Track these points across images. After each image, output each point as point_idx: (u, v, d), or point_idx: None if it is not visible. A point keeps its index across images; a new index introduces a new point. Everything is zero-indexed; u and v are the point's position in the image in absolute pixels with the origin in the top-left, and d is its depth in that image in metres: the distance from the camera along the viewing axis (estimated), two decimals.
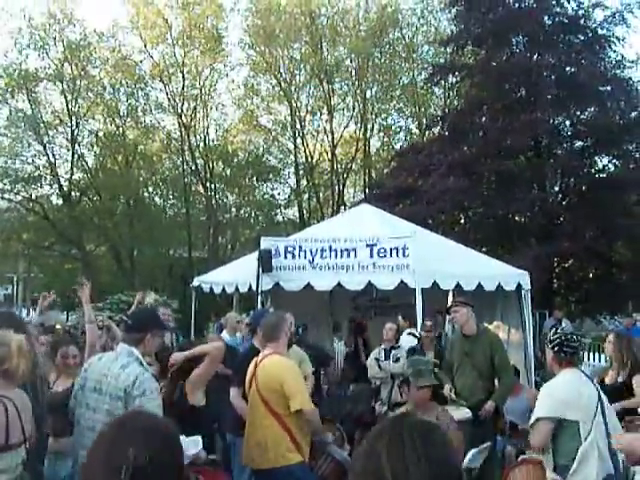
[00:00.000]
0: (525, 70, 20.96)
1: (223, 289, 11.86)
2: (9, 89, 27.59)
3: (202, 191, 31.73)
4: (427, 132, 28.31)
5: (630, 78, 22.12)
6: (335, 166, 32.27)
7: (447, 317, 10.40)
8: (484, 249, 17.35)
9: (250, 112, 32.59)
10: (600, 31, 22.06)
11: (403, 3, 31.45)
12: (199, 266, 25.72)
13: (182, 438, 4.41)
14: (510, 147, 21.11)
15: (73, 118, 28.82)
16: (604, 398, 4.49)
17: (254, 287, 10.06)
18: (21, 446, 3.78)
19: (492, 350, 7.15)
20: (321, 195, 33.23)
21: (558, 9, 22.36)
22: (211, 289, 12.21)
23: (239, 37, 31.33)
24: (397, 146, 31.75)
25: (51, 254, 30.44)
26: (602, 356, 13.32)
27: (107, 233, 28.73)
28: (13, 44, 27.65)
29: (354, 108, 31.98)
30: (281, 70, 31.20)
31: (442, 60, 26.17)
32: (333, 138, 31.93)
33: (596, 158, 22.73)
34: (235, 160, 31.96)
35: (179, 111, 30.39)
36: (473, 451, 5.59)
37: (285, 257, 10.17)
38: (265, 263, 9.89)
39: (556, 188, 22.86)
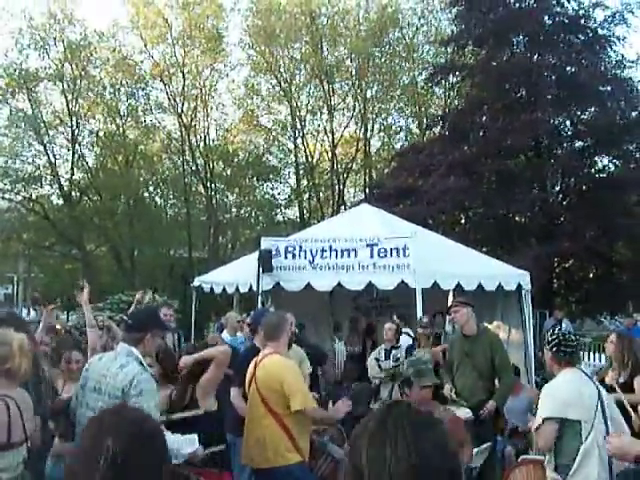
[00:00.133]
0: (525, 70, 20.95)
1: (223, 289, 11.87)
2: (9, 89, 27.60)
3: (202, 191, 31.72)
4: (427, 132, 28.30)
5: (630, 78, 22.12)
6: (335, 166, 32.26)
7: (447, 317, 10.41)
8: (484, 249, 17.34)
9: (250, 112, 32.58)
10: (600, 31, 22.05)
11: (403, 3, 31.46)
12: (199, 266, 25.72)
13: (178, 437, 4.43)
14: (510, 147, 21.10)
15: (73, 118, 28.83)
16: (605, 397, 4.49)
17: (254, 287, 10.07)
18: (22, 445, 3.79)
19: (492, 350, 7.14)
20: (321, 195, 33.22)
21: (558, 9, 22.35)
22: (211, 289, 12.22)
23: (239, 37, 31.42)
24: (397, 146, 31.75)
25: (51, 254, 30.47)
26: (602, 356, 13.33)
27: (107, 233, 28.74)
28: (14, 44, 27.72)
29: (354, 108, 31.99)
30: (281, 70, 31.19)
31: (442, 60, 26.18)
32: (333, 138, 31.93)
33: (596, 158, 22.73)
34: (235, 160, 31.96)
35: (179, 111, 30.40)
36: (473, 451, 5.60)
37: (285, 257, 10.18)
38: (265, 263, 9.89)
39: (556, 188, 22.85)
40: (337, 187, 32.48)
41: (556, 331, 4.88)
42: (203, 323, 17.26)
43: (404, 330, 9.58)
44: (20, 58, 27.86)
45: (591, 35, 21.96)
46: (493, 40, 22.20)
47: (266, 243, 10.30)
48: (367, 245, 10.00)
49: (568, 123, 22.98)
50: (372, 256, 9.94)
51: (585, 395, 4.41)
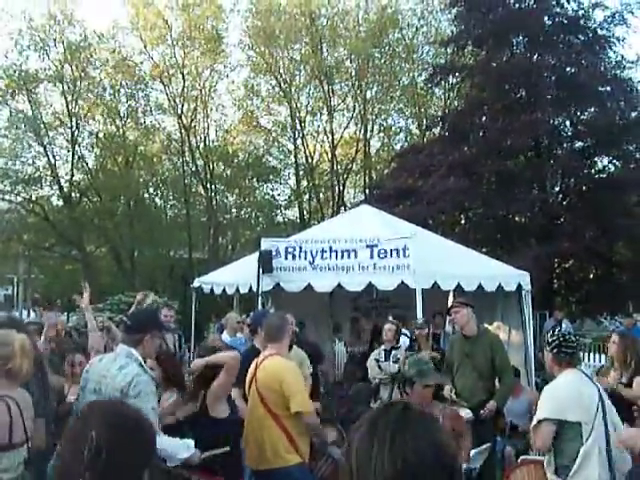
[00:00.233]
0: (525, 70, 20.95)
1: (223, 290, 11.87)
2: (9, 90, 27.60)
3: (202, 192, 31.72)
4: (427, 133, 28.30)
5: (630, 78, 22.13)
6: (335, 167, 32.26)
7: (448, 318, 10.41)
8: (484, 249, 17.34)
9: (250, 113, 32.58)
10: (600, 31, 22.05)
11: (403, 4, 31.43)
12: (199, 267, 25.72)
13: (175, 440, 4.42)
14: (510, 147, 21.11)
15: (73, 119, 28.83)
16: (605, 398, 4.49)
17: (254, 288, 10.07)
18: (23, 445, 3.80)
19: (493, 351, 7.15)
20: (321, 196, 33.23)
21: (558, 9, 22.36)
22: (211, 290, 12.22)
23: (239, 38, 31.35)
24: (397, 147, 31.75)
25: (51, 255, 30.47)
26: (602, 356, 13.33)
27: (107, 234, 28.74)
28: (13, 45, 27.69)
29: (354, 109, 31.98)
30: (281, 71, 31.19)
31: (442, 61, 26.17)
32: (333, 139, 31.93)
33: (596, 158, 22.73)
34: (235, 161, 31.96)
35: (179, 112, 30.39)
36: (473, 452, 5.60)
37: (285, 258, 10.18)
38: (265, 264, 9.90)
39: (556, 188, 22.85)
40: (337, 188, 32.48)
41: (556, 332, 4.88)
42: (203, 324, 17.25)
43: (402, 331, 9.57)
44: (20, 59, 27.90)
45: (591, 35, 21.96)
46: (493, 41, 22.20)
47: (266, 244, 10.31)
48: (367, 246, 10.01)
49: (568, 123, 22.99)
50: (372, 257, 9.94)
51: (585, 396, 4.41)
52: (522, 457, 6.13)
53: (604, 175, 22.40)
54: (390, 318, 9.94)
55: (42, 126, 28.05)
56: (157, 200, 33.01)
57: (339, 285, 10.04)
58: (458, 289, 10.01)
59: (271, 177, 32.90)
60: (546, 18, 22.20)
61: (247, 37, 31.23)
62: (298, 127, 31.72)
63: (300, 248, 10.28)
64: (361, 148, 32.20)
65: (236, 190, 32.46)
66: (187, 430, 4.86)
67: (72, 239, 28.38)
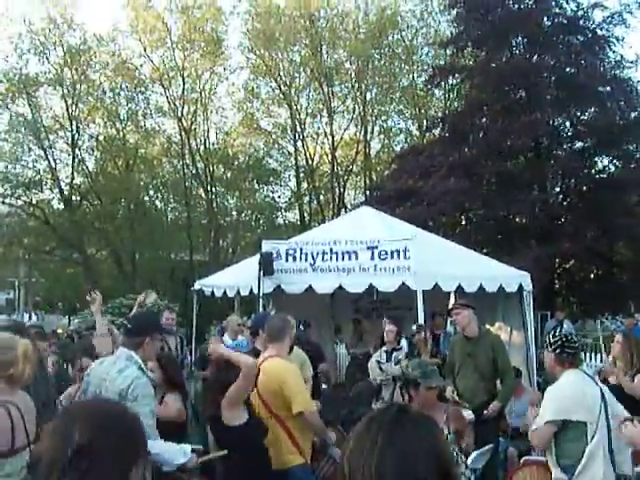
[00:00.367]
0: (525, 71, 20.95)
1: (224, 292, 11.86)
2: (9, 94, 27.63)
3: (203, 194, 31.74)
4: (427, 134, 28.28)
5: (630, 78, 22.12)
6: (335, 168, 32.26)
7: (449, 318, 10.41)
8: (485, 250, 17.36)
9: (250, 115, 32.61)
10: (599, 32, 22.05)
11: (402, 5, 31.45)
12: (200, 269, 25.73)
13: (171, 445, 4.40)
14: (510, 148, 21.11)
15: (73, 122, 28.87)
16: (608, 397, 4.49)
17: (255, 290, 10.07)
18: (25, 449, 3.79)
19: (494, 352, 7.15)
20: (322, 198, 33.23)
21: (557, 10, 22.36)
22: (212, 292, 12.21)
23: (239, 40, 31.43)
24: (397, 148, 31.72)
25: (52, 259, 30.48)
26: (604, 357, 13.30)
27: (108, 237, 28.76)
28: (13, 49, 27.74)
29: (354, 110, 32.00)
30: (281, 73, 31.21)
31: (442, 62, 26.19)
32: (333, 140, 31.93)
33: (596, 159, 22.72)
34: (235, 163, 31.97)
35: (179, 115, 30.41)
36: (476, 452, 5.59)
37: (286, 260, 10.18)
38: (266, 266, 9.89)
39: (557, 189, 22.85)
40: (337, 190, 32.49)
41: (557, 333, 4.87)
42: (204, 326, 17.24)
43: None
44: (20, 63, 27.95)
45: (590, 36, 21.96)
46: (492, 41, 22.19)
47: (267, 246, 10.31)
48: (368, 247, 10.00)
49: (568, 124, 22.99)
50: (373, 258, 9.94)
51: (589, 396, 4.40)
52: (525, 458, 6.12)
53: (604, 175, 22.39)
54: (385, 320, 9.94)
55: (42, 129, 28.08)
56: (158, 203, 33.04)
57: (340, 287, 10.04)
58: (459, 290, 10.00)
59: (271, 179, 32.93)
60: (545, 19, 22.21)
61: (247, 39, 31.29)
62: (298, 129, 31.74)
63: (301, 250, 10.28)
64: (361, 150, 32.21)
65: (236, 192, 32.48)
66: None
67: (73, 242, 28.39)
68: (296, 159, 32.20)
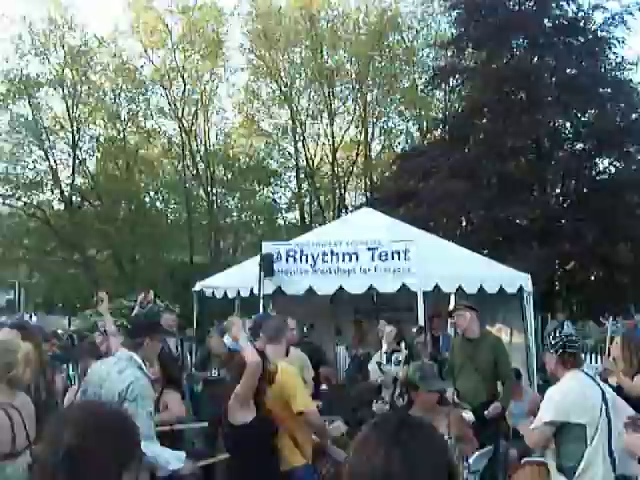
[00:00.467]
0: (525, 72, 20.98)
1: (225, 294, 11.86)
2: (10, 95, 27.62)
3: (203, 196, 31.73)
4: (428, 135, 28.35)
5: (630, 80, 22.16)
6: (336, 170, 32.23)
7: (450, 320, 10.40)
8: (485, 252, 17.34)
9: (251, 116, 32.61)
10: (600, 33, 22.09)
11: (403, 6, 31.42)
12: (201, 271, 25.67)
13: (166, 451, 4.39)
14: (511, 149, 21.14)
15: (74, 123, 28.86)
16: (609, 399, 4.48)
17: (256, 291, 10.08)
18: (26, 451, 3.79)
19: (495, 353, 7.14)
20: (322, 199, 33.19)
21: (558, 11, 22.40)
22: (213, 294, 12.21)
23: (239, 41, 31.31)
24: (398, 149, 31.72)
25: (52, 259, 30.43)
26: (604, 358, 13.30)
27: (108, 238, 28.73)
28: (14, 50, 27.72)
29: (355, 111, 31.98)
30: (281, 74, 31.19)
31: (442, 63, 26.17)
32: (334, 142, 31.91)
33: (597, 160, 22.74)
34: (236, 164, 31.96)
35: (180, 116, 30.41)
36: (476, 454, 5.58)
37: (287, 261, 10.19)
38: (267, 267, 9.91)
39: (557, 190, 22.87)
40: (338, 191, 32.46)
41: (558, 334, 4.86)
42: (204, 328, 17.22)
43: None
44: (21, 64, 27.93)
45: (591, 37, 21.99)
46: (493, 43, 22.22)
47: (267, 247, 10.32)
48: (368, 249, 10.01)
49: (568, 125, 23.01)
50: (373, 259, 9.96)
51: (589, 398, 4.39)
52: (525, 459, 6.11)
53: (605, 176, 22.41)
54: (382, 322, 9.93)
55: (43, 130, 28.09)
56: (158, 204, 33.05)
57: (340, 288, 10.05)
58: (459, 291, 10.00)
59: (272, 180, 32.93)
60: (546, 20, 22.24)
61: (247, 40, 31.28)
62: (299, 130, 31.73)
63: (301, 251, 10.29)
64: (362, 151, 32.18)
65: (237, 193, 32.49)
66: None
67: (73, 243, 28.38)
68: (297, 160, 32.20)
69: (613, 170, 22.87)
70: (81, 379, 6.05)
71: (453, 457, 1.63)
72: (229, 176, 32.04)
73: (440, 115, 28.23)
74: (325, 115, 32.05)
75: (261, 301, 9.85)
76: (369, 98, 31.56)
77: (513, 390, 7.51)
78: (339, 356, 13.29)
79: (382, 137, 33.48)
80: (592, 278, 23.11)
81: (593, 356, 14.53)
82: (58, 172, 29.11)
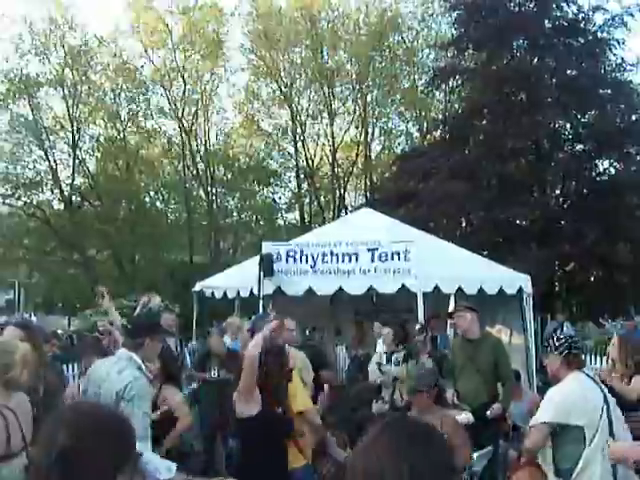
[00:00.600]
0: (525, 73, 20.99)
1: (224, 294, 11.87)
2: (10, 94, 27.61)
3: (203, 196, 31.74)
4: (428, 136, 28.35)
5: (630, 81, 22.16)
6: (336, 170, 32.24)
7: (449, 321, 10.41)
8: (485, 253, 17.34)
9: (251, 116, 32.62)
10: (600, 34, 22.10)
11: (403, 7, 31.43)
12: (200, 271, 25.66)
13: (157, 459, 4.37)
14: (511, 150, 21.15)
15: (74, 123, 28.84)
16: (610, 401, 4.48)
17: (256, 292, 10.08)
18: (22, 453, 3.78)
19: (495, 354, 7.14)
20: (322, 199, 33.19)
21: (558, 13, 22.41)
22: (213, 294, 12.21)
23: (239, 41, 31.31)
24: (398, 150, 31.73)
25: (52, 259, 30.41)
26: (604, 359, 13.31)
27: (108, 238, 28.71)
28: (14, 49, 27.69)
29: (355, 112, 31.98)
30: (282, 74, 31.19)
31: (443, 64, 26.17)
32: (334, 142, 31.90)
33: (597, 161, 22.73)
34: (236, 164, 31.96)
35: (180, 116, 30.40)
36: (476, 454, 5.59)
37: (286, 261, 10.20)
38: (266, 268, 9.91)
39: (557, 191, 22.88)
40: (338, 191, 32.46)
41: (560, 335, 4.84)
42: (204, 328, 17.22)
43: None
44: (21, 63, 27.89)
45: (591, 39, 22.00)
46: (493, 44, 22.23)
47: (267, 248, 10.33)
48: (368, 249, 10.02)
49: (568, 126, 23.01)
50: (373, 260, 9.96)
51: (590, 400, 4.38)
52: (523, 459, 6.11)
53: (605, 178, 22.41)
54: (377, 324, 9.96)
55: (43, 130, 28.07)
56: (158, 204, 33.02)
57: (340, 289, 10.06)
58: (459, 292, 10.01)
59: (272, 180, 32.94)
60: (546, 21, 22.25)
61: (248, 41, 31.28)
62: (299, 130, 31.74)
63: (301, 252, 10.30)
64: (362, 151, 32.18)
65: (237, 194, 32.48)
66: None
67: (73, 243, 28.37)
68: (297, 160, 32.20)
69: (613, 171, 22.88)
70: (82, 376, 6.06)
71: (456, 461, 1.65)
72: (229, 176, 32.05)
73: (440, 116, 28.24)
74: (325, 115, 32.07)
75: (261, 301, 9.85)
76: (369, 98, 31.58)
77: (513, 391, 7.52)
78: (339, 357, 13.30)
79: (382, 138, 33.52)
80: (592, 279, 23.12)
81: (592, 357, 14.52)
82: (58, 172, 29.12)
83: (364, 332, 11.69)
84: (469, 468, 5.44)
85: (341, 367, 12.40)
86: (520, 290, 10.60)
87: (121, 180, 29.49)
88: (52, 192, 29.57)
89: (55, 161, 28.97)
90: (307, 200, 33.27)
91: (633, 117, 21.54)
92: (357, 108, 31.77)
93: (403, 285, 9.69)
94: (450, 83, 26.40)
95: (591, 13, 22.23)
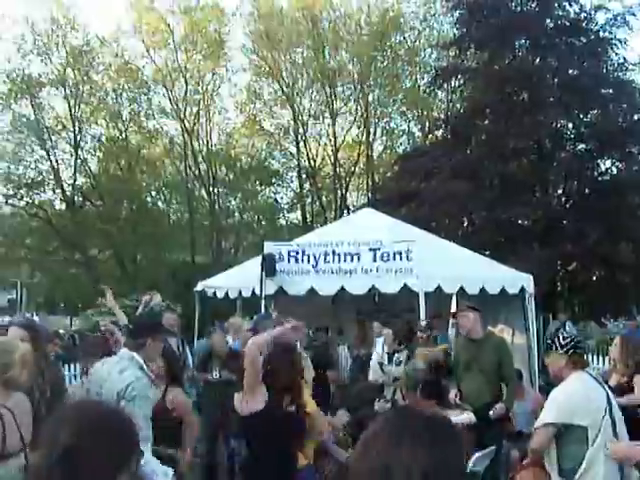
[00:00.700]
0: (527, 73, 20.95)
1: (226, 294, 11.87)
2: (12, 94, 27.64)
3: (205, 196, 31.77)
4: (430, 135, 28.32)
5: (632, 80, 22.12)
6: (338, 170, 32.24)
7: (451, 321, 10.41)
8: (487, 252, 17.32)
9: (253, 116, 32.63)
10: (602, 34, 22.05)
11: (405, 7, 31.43)
12: (202, 271, 25.65)
13: (153, 460, 4.37)
14: (513, 150, 21.11)
15: (76, 123, 28.88)
16: (613, 401, 4.47)
17: (258, 292, 10.08)
18: (20, 453, 3.76)
19: (498, 354, 7.13)
20: (324, 199, 33.21)
21: (560, 12, 22.36)
22: (214, 294, 12.21)
23: (241, 42, 31.33)
24: (400, 150, 31.74)
25: (54, 259, 30.44)
26: (606, 359, 13.30)
27: (110, 238, 28.73)
28: (16, 50, 27.73)
29: (357, 112, 32.00)
30: (283, 74, 31.20)
31: (444, 63, 26.15)
32: (336, 142, 31.92)
33: (599, 161, 22.67)
34: (238, 164, 32.01)
35: (182, 116, 30.42)
36: (477, 455, 5.58)
37: (288, 261, 10.21)
38: (268, 268, 9.92)
39: (559, 191, 22.84)
40: (340, 191, 32.47)
41: (565, 334, 4.82)
42: (206, 328, 17.23)
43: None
44: (23, 64, 27.94)
45: (593, 38, 21.94)
46: (495, 43, 22.19)
47: (269, 247, 10.33)
48: (370, 249, 10.02)
49: (570, 126, 22.96)
50: (375, 260, 9.97)
51: (594, 400, 4.37)
52: (526, 460, 6.10)
53: (607, 177, 22.36)
54: (376, 324, 9.96)
55: (45, 130, 28.12)
56: (160, 204, 33.07)
57: (342, 288, 10.05)
58: (461, 292, 10.00)
59: (274, 180, 32.98)
60: (548, 21, 22.21)
61: (249, 41, 31.29)
62: (301, 130, 31.75)
63: (303, 252, 10.31)
64: (364, 151, 32.17)
65: (239, 194, 32.49)
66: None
67: (75, 243, 28.40)
68: (298, 160, 32.22)
69: (615, 171, 22.83)
70: (84, 375, 6.07)
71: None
72: (231, 176, 32.07)
73: (442, 116, 28.20)
74: (327, 115, 32.08)
75: (262, 301, 9.86)
76: (371, 98, 31.57)
77: (515, 391, 7.51)
78: (341, 356, 13.29)
79: (384, 137, 33.55)
80: (594, 279, 23.06)
81: (594, 357, 14.53)
82: (60, 172, 29.15)
83: (366, 332, 11.67)
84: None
85: (343, 367, 12.39)
86: (522, 290, 10.60)
87: (123, 180, 29.52)
88: (54, 192, 29.65)
89: (57, 161, 29.04)
90: (309, 200, 33.31)
91: (635, 117, 21.50)
92: (359, 108, 31.78)
93: (405, 285, 9.68)
94: (452, 83, 26.38)
95: (593, 12, 22.20)
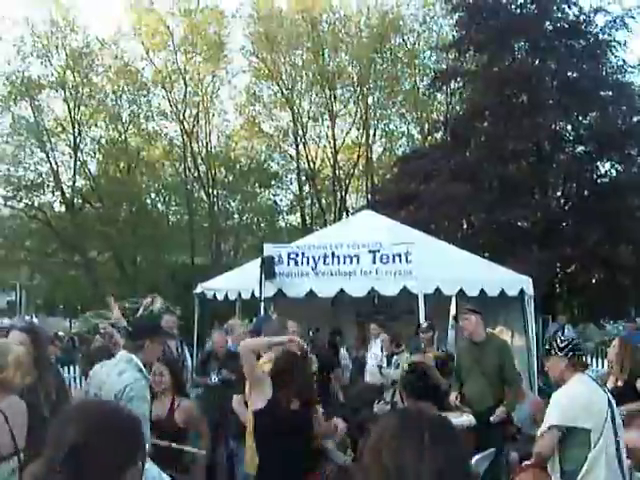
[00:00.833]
0: (527, 75, 20.95)
1: (226, 296, 11.88)
2: (12, 96, 27.65)
3: (204, 198, 31.77)
4: (429, 138, 28.32)
5: (632, 83, 22.13)
6: (337, 172, 32.25)
7: (450, 323, 10.43)
8: (487, 254, 17.33)
9: (252, 118, 32.64)
10: (601, 36, 22.05)
11: (405, 9, 31.43)
12: (202, 273, 25.66)
13: (153, 470, 4.35)
14: (512, 152, 21.12)
15: (75, 125, 28.88)
16: (614, 404, 4.47)
17: (257, 294, 10.08)
18: (12, 456, 3.72)
19: (501, 356, 7.12)
20: (323, 201, 33.21)
21: (559, 14, 22.36)
22: (214, 296, 12.22)
23: (241, 44, 31.34)
24: (399, 152, 31.71)
25: (54, 261, 30.43)
26: (605, 361, 13.31)
27: (110, 240, 28.72)
28: (16, 52, 27.74)
29: (356, 114, 32.00)
30: (283, 76, 31.21)
31: (444, 66, 26.17)
32: (335, 144, 31.92)
33: (598, 163, 22.67)
34: (237, 166, 32.00)
35: (181, 118, 30.43)
36: (477, 456, 5.58)
37: (288, 264, 10.20)
38: (268, 270, 9.91)
39: (558, 193, 22.84)
40: (339, 193, 32.47)
41: (563, 337, 4.83)
42: (205, 330, 17.22)
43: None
44: (22, 66, 27.95)
45: (592, 40, 21.94)
46: (494, 46, 22.19)
47: (268, 250, 10.33)
48: (369, 251, 10.02)
49: (569, 128, 22.95)
50: (374, 262, 9.96)
51: (596, 403, 4.38)
52: (526, 462, 6.10)
53: (606, 179, 22.36)
54: (373, 325, 9.96)
55: (44, 132, 28.10)
56: (159, 206, 33.03)
57: (341, 290, 10.05)
58: (460, 294, 10.01)
59: (273, 182, 32.97)
60: (547, 23, 22.21)
61: (249, 43, 31.30)
62: (300, 132, 31.75)
63: (302, 254, 10.30)
64: (363, 153, 32.17)
65: (238, 196, 32.48)
66: None
67: (74, 245, 28.38)
68: (298, 162, 32.21)
69: (614, 173, 22.83)
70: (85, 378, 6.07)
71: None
72: (230, 178, 32.07)
73: (441, 118, 28.22)
74: (326, 117, 32.09)
75: (262, 303, 9.86)
76: (370, 100, 31.59)
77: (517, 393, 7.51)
78: (340, 359, 13.29)
79: (383, 139, 33.54)
80: (593, 281, 23.05)
81: (594, 359, 14.51)
82: (59, 174, 29.14)
83: (366, 334, 11.68)
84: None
85: (343, 369, 12.39)
86: (521, 292, 10.60)
87: (122, 182, 29.51)
88: (53, 194, 29.62)
89: (56, 163, 29.04)
90: (308, 202, 33.31)
91: (634, 119, 21.49)
92: (358, 110, 31.78)
93: (404, 287, 9.69)
94: (451, 85, 26.39)
95: (592, 15, 22.19)
